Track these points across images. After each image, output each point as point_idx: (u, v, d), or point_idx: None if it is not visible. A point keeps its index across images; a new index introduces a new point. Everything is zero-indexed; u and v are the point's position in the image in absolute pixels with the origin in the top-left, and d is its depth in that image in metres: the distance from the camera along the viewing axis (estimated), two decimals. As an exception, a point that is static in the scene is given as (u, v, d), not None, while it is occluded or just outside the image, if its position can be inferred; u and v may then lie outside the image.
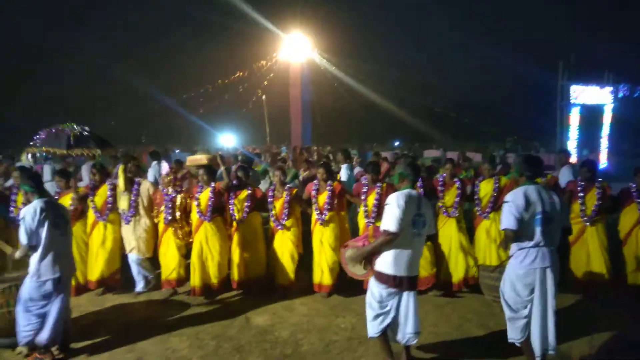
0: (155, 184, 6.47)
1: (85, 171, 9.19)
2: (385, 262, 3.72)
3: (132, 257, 5.86)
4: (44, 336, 4.07)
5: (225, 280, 5.84)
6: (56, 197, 5.88)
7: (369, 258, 3.84)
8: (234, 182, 5.99)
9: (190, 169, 7.10)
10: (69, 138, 6.46)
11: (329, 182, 5.80)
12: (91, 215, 5.89)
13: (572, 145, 15.14)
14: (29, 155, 7.03)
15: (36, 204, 4.04)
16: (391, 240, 3.63)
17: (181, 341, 4.54)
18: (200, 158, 6.18)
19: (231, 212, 5.84)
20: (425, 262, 5.46)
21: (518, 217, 3.55)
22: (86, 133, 6.88)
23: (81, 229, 5.92)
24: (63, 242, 4.17)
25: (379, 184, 5.72)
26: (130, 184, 5.84)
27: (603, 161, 16.13)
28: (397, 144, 32.78)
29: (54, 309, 4.08)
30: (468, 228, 6.01)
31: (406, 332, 3.81)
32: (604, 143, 16.33)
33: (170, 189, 5.74)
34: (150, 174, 8.03)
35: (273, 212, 5.85)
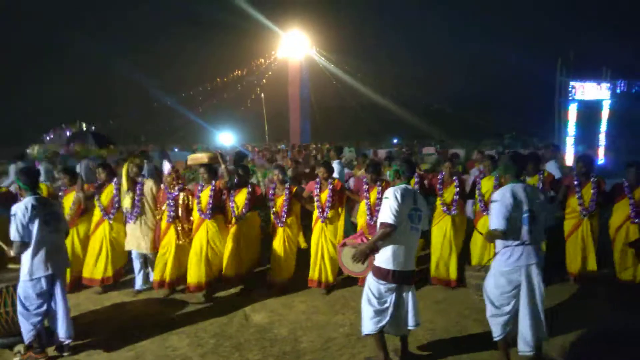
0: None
1: (83, 170, 9.25)
2: (384, 257, 3.75)
3: (135, 255, 5.96)
4: (61, 334, 4.14)
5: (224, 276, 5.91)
6: (61, 195, 6.01)
7: (367, 255, 3.86)
8: (235, 180, 6.05)
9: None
10: (70, 136, 6.53)
11: (329, 181, 5.90)
12: (97, 213, 6.00)
13: (570, 141, 15.16)
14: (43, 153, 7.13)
15: (27, 201, 4.06)
16: (389, 233, 3.66)
17: (180, 339, 4.57)
18: (202, 157, 6.21)
19: (232, 209, 5.91)
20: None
21: (507, 217, 3.58)
22: (93, 128, 6.98)
23: (85, 226, 6.04)
24: (54, 239, 4.17)
25: (379, 182, 5.81)
26: (133, 183, 5.92)
27: (601, 157, 16.16)
28: (395, 141, 32.78)
29: (60, 306, 4.13)
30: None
31: (407, 325, 3.87)
32: (602, 139, 16.36)
33: (175, 188, 5.83)
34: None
35: (274, 209, 5.96)
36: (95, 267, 5.91)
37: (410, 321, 3.86)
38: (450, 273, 5.87)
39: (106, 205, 5.94)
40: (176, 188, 5.83)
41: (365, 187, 5.89)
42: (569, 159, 14.37)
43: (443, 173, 6.14)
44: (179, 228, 5.77)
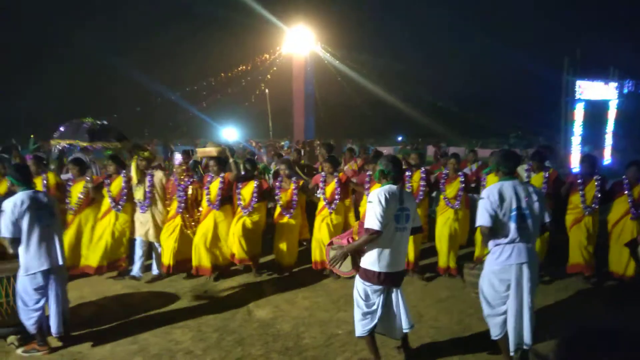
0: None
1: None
2: (370, 259, 3.70)
3: (139, 242, 6.15)
4: (53, 330, 4.17)
5: (229, 263, 6.24)
6: (69, 185, 6.16)
7: (353, 255, 3.81)
8: (242, 173, 6.31)
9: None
10: (90, 131, 6.65)
11: (335, 174, 6.18)
12: (105, 203, 6.14)
13: (576, 141, 15.05)
14: (56, 148, 7.31)
15: (18, 196, 4.05)
16: (374, 239, 3.61)
17: (184, 333, 4.57)
18: (210, 150, 6.39)
19: (239, 202, 6.12)
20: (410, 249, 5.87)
21: (492, 214, 3.57)
22: (105, 122, 7.07)
23: (92, 216, 6.18)
24: (48, 233, 4.13)
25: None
26: (143, 175, 6.08)
27: (607, 158, 16.05)
28: (400, 138, 32.70)
29: (52, 301, 4.15)
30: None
31: (403, 328, 3.83)
32: (609, 139, 16.25)
33: (185, 179, 6.05)
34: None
35: (281, 202, 6.20)
36: (93, 254, 6.01)
37: (405, 324, 3.81)
38: (450, 263, 6.14)
39: (115, 196, 6.08)
40: (185, 179, 6.03)
41: (368, 179, 6.15)
42: (575, 160, 14.27)
43: (447, 169, 6.35)
44: (187, 217, 6.00)
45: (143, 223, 6.11)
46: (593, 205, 5.86)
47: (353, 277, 3.95)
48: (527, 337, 3.57)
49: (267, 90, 23.68)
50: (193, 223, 6.10)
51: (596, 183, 5.86)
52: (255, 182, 6.16)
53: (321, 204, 6.21)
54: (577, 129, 15.18)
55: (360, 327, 3.79)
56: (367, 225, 3.64)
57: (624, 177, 5.87)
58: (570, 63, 15.03)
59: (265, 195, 6.30)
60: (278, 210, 6.30)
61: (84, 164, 6.35)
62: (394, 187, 3.73)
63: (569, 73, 15.04)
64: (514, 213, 3.57)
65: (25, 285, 4.07)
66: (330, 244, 4.15)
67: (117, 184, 6.13)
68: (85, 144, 6.75)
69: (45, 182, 6.09)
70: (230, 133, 19.45)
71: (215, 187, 6.00)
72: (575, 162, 14.07)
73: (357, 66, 25.98)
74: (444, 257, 6.15)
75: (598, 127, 16.10)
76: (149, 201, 6.05)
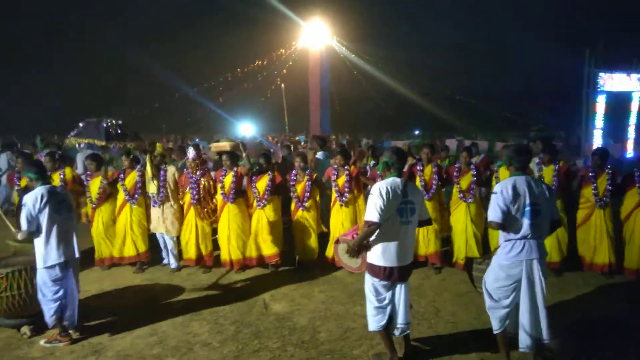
0: None
1: (79, 160, 9.52)
2: (376, 254, 3.68)
3: (161, 237, 6.40)
4: (66, 321, 4.30)
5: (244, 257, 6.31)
6: (87, 180, 6.39)
7: (360, 251, 3.79)
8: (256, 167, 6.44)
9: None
10: (107, 131, 6.86)
11: (346, 167, 6.23)
12: (120, 197, 6.38)
13: (598, 134, 14.71)
14: (79, 145, 7.74)
15: (38, 190, 4.17)
16: (373, 231, 3.57)
17: (201, 325, 4.63)
18: (224, 145, 6.52)
19: (254, 196, 6.24)
20: (427, 241, 6.12)
21: (504, 209, 3.53)
22: (120, 122, 7.26)
23: (109, 209, 6.43)
24: (66, 227, 4.26)
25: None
26: (157, 170, 6.25)
27: (630, 151, 15.63)
28: (417, 132, 32.41)
29: (68, 293, 4.28)
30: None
31: (398, 324, 3.79)
32: (631, 132, 15.82)
33: (197, 173, 6.18)
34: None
35: (295, 194, 6.31)
36: (124, 246, 6.34)
37: (401, 319, 3.76)
38: (458, 255, 6.20)
39: (130, 190, 6.32)
40: (198, 173, 6.17)
41: (379, 173, 6.13)
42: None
43: (460, 162, 6.40)
44: (202, 209, 6.17)
45: (159, 219, 6.30)
46: (605, 199, 5.83)
47: (362, 273, 3.93)
48: (544, 332, 3.54)
49: (282, 85, 23.70)
50: (208, 213, 6.27)
51: (607, 176, 5.84)
52: (269, 175, 6.26)
53: (334, 196, 6.32)
54: (599, 121, 14.83)
55: (374, 323, 3.77)
56: (366, 217, 3.62)
57: (635, 169, 5.82)
58: (592, 54, 14.68)
59: (279, 188, 6.40)
60: (293, 204, 6.41)
61: (101, 160, 6.56)
62: (398, 180, 3.68)
63: (591, 65, 14.70)
64: (528, 209, 3.53)
65: (44, 277, 4.19)
66: (337, 241, 4.14)
67: (132, 178, 6.36)
68: (102, 144, 6.96)
69: (62, 176, 6.25)
70: (246, 128, 19.52)
71: (229, 180, 6.14)
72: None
73: (373, 59, 25.77)
74: (459, 251, 6.16)
75: (620, 119, 15.68)
76: (162, 195, 6.23)
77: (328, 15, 25.54)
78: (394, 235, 3.62)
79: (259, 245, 6.23)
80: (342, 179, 6.22)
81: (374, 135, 24.08)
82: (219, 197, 6.23)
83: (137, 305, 5.20)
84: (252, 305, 5.14)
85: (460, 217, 6.20)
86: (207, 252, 6.33)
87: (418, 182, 6.17)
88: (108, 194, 6.39)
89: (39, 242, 4.16)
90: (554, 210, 3.72)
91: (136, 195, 6.32)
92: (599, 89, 14.62)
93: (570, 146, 15.84)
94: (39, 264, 4.18)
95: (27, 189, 4.56)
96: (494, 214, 3.59)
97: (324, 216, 6.87)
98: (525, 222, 3.53)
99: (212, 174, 6.41)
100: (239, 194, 6.22)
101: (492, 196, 3.66)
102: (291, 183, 6.36)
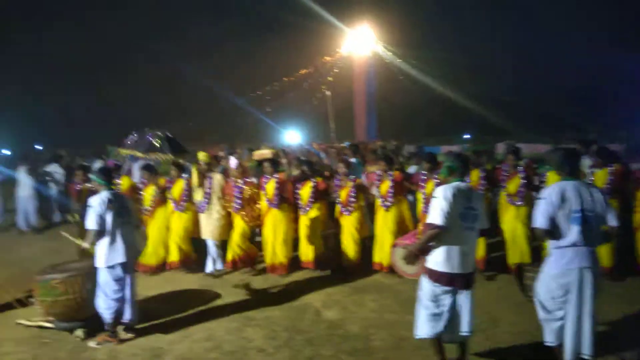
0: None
1: (135, 170, 10.00)
2: (437, 259, 3.58)
3: (209, 242, 6.58)
4: (127, 316, 4.54)
5: (291, 260, 6.49)
6: (142, 187, 6.82)
7: (419, 256, 3.71)
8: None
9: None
10: (150, 144, 7.22)
11: (389, 173, 6.29)
12: (169, 205, 6.72)
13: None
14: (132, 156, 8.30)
15: (104, 194, 4.47)
16: (437, 234, 3.49)
17: (255, 331, 4.70)
18: (266, 152, 6.66)
19: (298, 202, 6.44)
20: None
21: (551, 215, 3.37)
22: (168, 135, 7.60)
23: (163, 215, 6.75)
24: (127, 229, 4.56)
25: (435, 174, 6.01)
26: (203, 178, 6.53)
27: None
28: (466, 136, 31.52)
29: (128, 291, 4.52)
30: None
31: (460, 332, 3.65)
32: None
33: (240, 181, 6.43)
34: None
35: (339, 199, 6.43)
36: (171, 251, 6.60)
37: (464, 327, 3.62)
38: (511, 259, 5.97)
39: (176, 198, 6.62)
40: (240, 181, 6.42)
41: (423, 177, 6.20)
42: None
43: (507, 165, 6.28)
44: (245, 214, 6.39)
45: (205, 224, 6.54)
46: None
47: (415, 280, 3.84)
48: (587, 347, 3.34)
49: (328, 92, 23.81)
50: (253, 217, 6.46)
51: None
52: (313, 182, 6.40)
53: (377, 202, 6.38)
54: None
55: (428, 329, 3.65)
56: (429, 220, 3.56)
57: None
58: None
59: (323, 195, 6.53)
60: (338, 209, 6.57)
61: (153, 169, 6.99)
62: (462, 184, 3.63)
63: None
64: (577, 215, 3.36)
65: (106, 276, 4.44)
66: (395, 245, 4.08)
67: (178, 186, 6.65)
68: (142, 156, 7.38)
69: (118, 185, 6.67)
70: (293, 136, 19.74)
71: (271, 187, 6.34)
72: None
73: (420, 63, 25.41)
74: (513, 255, 5.97)
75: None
76: (207, 202, 6.45)
77: (373, 21, 25.48)
78: (457, 240, 3.53)
79: (301, 250, 6.44)
80: (386, 184, 6.28)
81: (417, 141, 23.63)
82: (263, 203, 6.43)
83: (187, 308, 5.33)
84: (304, 311, 5.17)
85: (509, 221, 6.05)
86: (254, 256, 6.61)
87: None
88: (161, 201, 6.73)
89: (102, 243, 4.42)
90: (609, 216, 3.46)
91: (182, 202, 6.59)
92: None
93: (632, 147, 14.92)
94: (101, 263, 4.42)
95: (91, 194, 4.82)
96: (539, 220, 3.44)
97: (367, 221, 6.89)
98: (575, 229, 3.36)
99: (253, 180, 6.63)
100: (283, 200, 6.38)
101: (539, 202, 3.51)
102: (335, 189, 6.49)
